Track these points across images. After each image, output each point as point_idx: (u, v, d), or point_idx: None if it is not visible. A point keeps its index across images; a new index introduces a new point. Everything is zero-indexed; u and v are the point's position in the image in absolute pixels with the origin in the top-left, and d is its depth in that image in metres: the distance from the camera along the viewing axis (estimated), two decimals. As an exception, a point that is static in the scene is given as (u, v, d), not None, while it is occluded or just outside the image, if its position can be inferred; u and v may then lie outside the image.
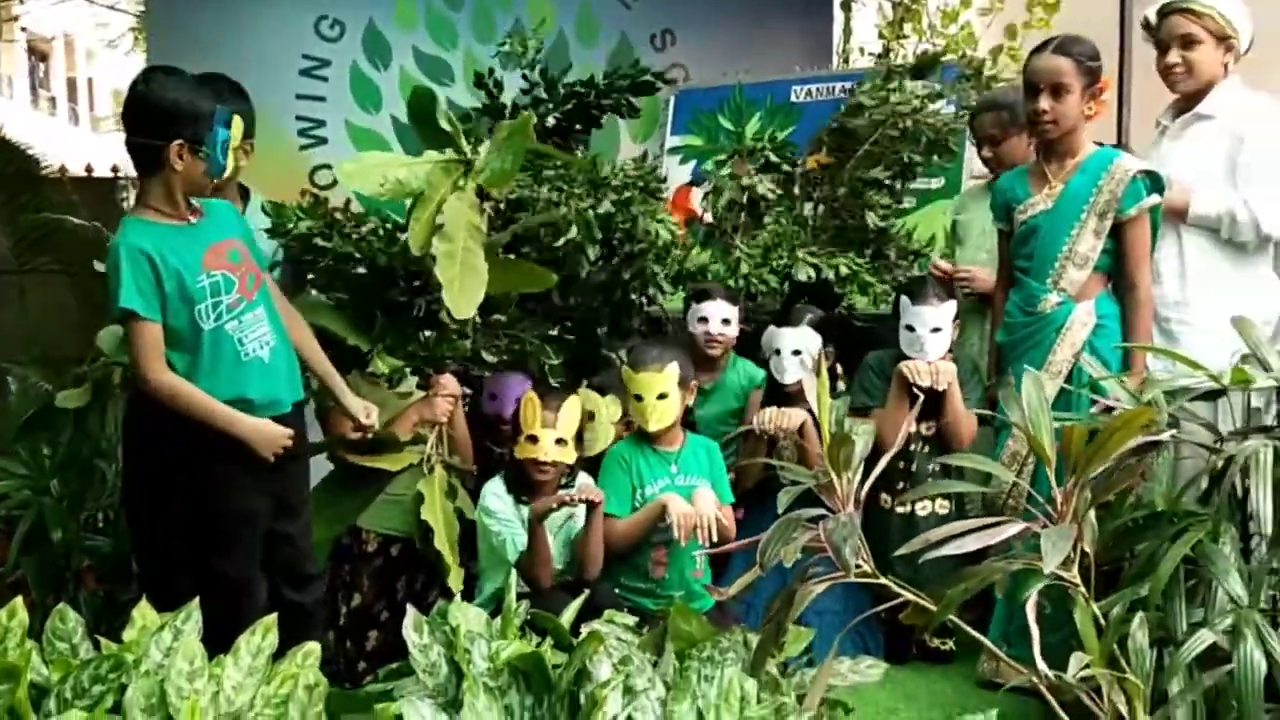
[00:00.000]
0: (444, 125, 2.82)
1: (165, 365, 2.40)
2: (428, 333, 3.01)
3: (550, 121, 3.49)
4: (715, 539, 2.76)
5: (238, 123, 2.53)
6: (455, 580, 2.80)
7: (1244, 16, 2.89)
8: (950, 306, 3.03)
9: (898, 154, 3.73)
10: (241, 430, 2.43)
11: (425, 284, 2.94)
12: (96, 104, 22.50)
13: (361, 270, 3.00)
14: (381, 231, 3.00)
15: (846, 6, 5.49)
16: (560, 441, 2.84)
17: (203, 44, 4.72)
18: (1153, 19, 2.99)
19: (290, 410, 2.57)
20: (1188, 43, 2.91)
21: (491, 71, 3.56)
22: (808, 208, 4.00)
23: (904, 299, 3.07)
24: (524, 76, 3.55)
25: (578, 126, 3.58)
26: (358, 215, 3.11)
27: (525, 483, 2.87)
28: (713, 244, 3.87)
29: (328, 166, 4.83)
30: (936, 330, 2.99)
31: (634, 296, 3.47)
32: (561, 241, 3.16)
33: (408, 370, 2.99)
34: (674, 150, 4.91)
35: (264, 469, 2.48)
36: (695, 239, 3.87)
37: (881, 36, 5.35)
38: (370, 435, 2.82)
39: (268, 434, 2.47)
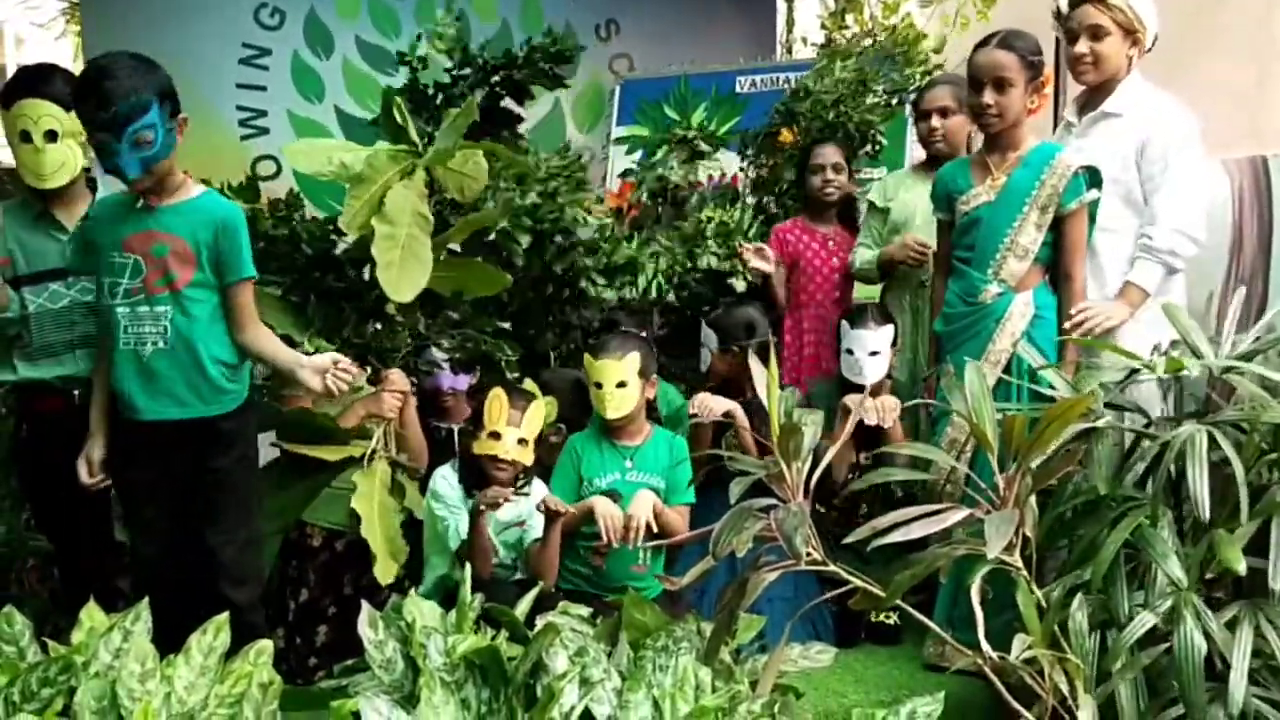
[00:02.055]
0: (396, 118, 2.82)
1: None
2: (373, 325, 3.01)
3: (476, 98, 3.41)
4: (639, 541, 2.78)
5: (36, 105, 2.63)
6: (382, 572, 2.78)
7: (1152, 13, 2.92)
8: (888, 331, 3.16)
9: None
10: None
11: (367, 274, 2.92)
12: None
13: (295, 256, 3.01)
14: (315, 220, 3.01)
15: (788, -4, 5.52)
16: (522, 441, 2.83)
17: (139, 31, 4.65)
18: (1064, 8, 3.00)
19: (166, 420, 2.47)
20: (1096, 34, 2.91)
21: (413, 50, 3.52)
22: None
23: (844, 324, 3.21)
24: (448, 55, 3.52)
25: (506, 104, 3.56)
26: (292, 199, 3.10)
27: (479, 477, 2.85)
28: (641, 239, 3.89)
29: (270, 157, 4.78)
30: (874, 354, 3.14)
31: (567, 291, 3.50)
32: (492, 235, 3.19)
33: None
34: (620, 140, 4.92)
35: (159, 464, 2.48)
36: (620, 232, 3.87)
37: (824, 27, 5.39)
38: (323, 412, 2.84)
39: (318, 363, 2.51)
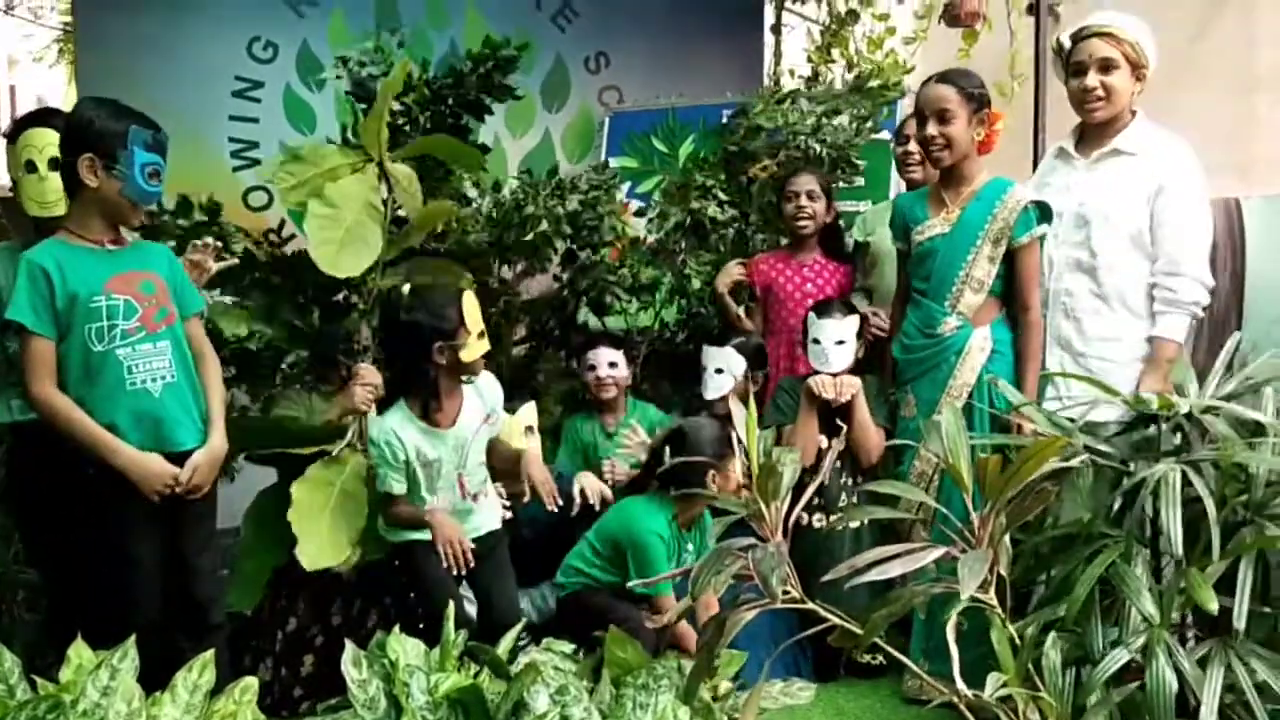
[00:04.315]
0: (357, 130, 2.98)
1: (53, 384, 2.41)
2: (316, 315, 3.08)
3: (430, 123, 3.43)
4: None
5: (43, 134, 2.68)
6: (308, 556, 2.72)
7: (1154, 49, 2.95)
8: (853, 321, 3.24)
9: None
10: (121, 460, 2.41)
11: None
12: (20, 112, 21.96)
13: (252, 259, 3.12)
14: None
15: (776, 30, 5.59)
16: (483, 334, 2.85)
17: (133, 63, 4.69)
18: (1067, 43, 3.01)
19: (179, 451, 2.51)
20: (1106, 67, 2.90)
21: (365, 80, 3.48)
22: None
23: (810, 314, 3.28)
24: (376, 78, 3.42)
25: (465, 121, 3.52)
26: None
27: (434, 395, 2.79)
28: (657, 264, 3.94)
29: (262, 188, 4.81)
30: (840, 343, 3.20)
31: (583, 309, 3.64)
32: (530, 235, 3.30)
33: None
34: (609, 172, 4.97)
35: (148, 502, 2.47)
36: (639, 259, 3.92)
37: (810, 60, 5.46)
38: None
39: (149, 468, 2.43)
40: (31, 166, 2.72)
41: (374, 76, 3.29)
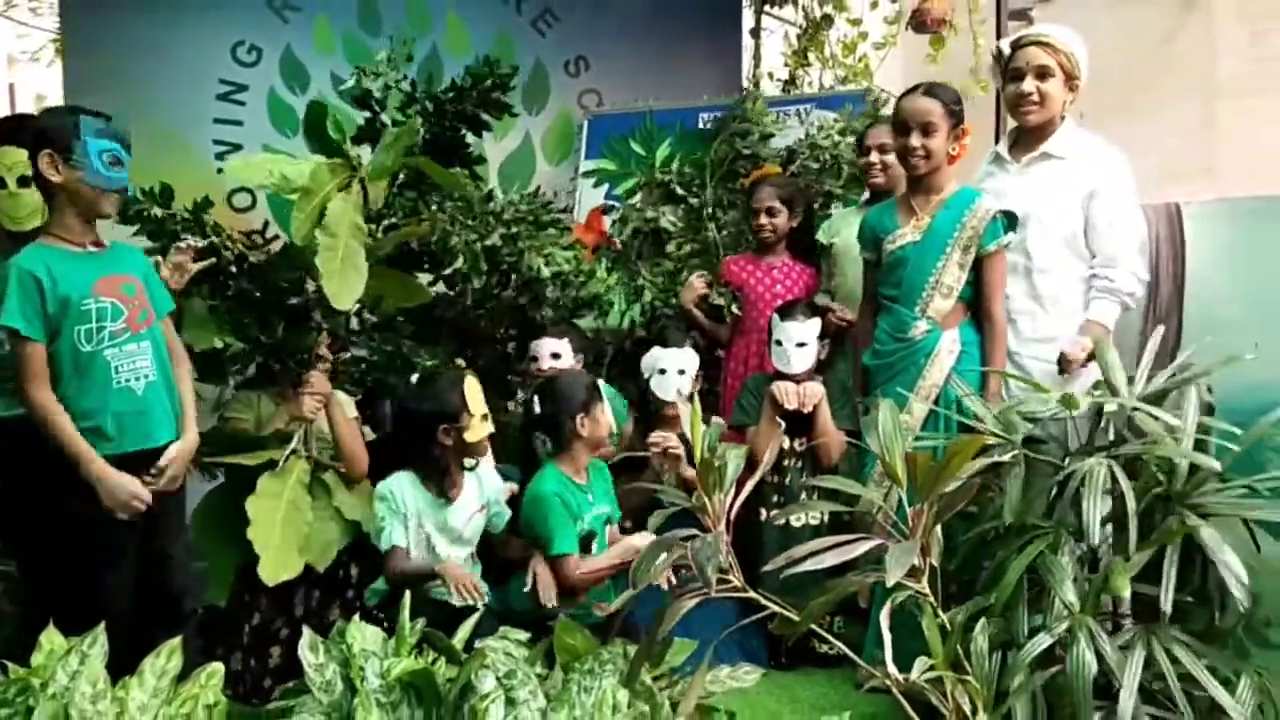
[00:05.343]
0: (331, 133, 2.96)
1: (45, 386, 2.53)
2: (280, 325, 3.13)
3: (431, 136, 3.54)
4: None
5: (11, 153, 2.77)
6: (268, 570, 2.82)
7: (1086, 61, 3.06)
8: (815, 324, 3.32)
9: (821, 183, 4.03)
10: (94, 471, 2.53)
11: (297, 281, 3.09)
12: (20, 109, 22.03)
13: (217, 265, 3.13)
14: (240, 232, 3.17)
15: (755, 34, 5.68)
16: (486, 416, 2.99)
17: (119, 66, 4.80)
18: (1006, 49, 3.13)
19: (157, 446, 2.65)
20: (1042, 74, 3.03)
21: (368, 93, 3.62)
22: (710, 231, 4.22)
23: (774, 316, 3.36)
24: (400, 93, 3.62)
25: (464, 134, 3.63)
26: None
27: (438, 467, 2.94)
28: (618, 269, 4.03)
29: (246, 190, 4.92)
30: (801, 345, 3.28)
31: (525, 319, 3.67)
32: (450, 270, 3.35)
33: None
34: (588, 174, 5.05)
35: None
36: (600, 264, 4.01)
37: (787, 64, 5.55)
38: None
39: (119, 483, 2.55)
40: (1, 183, 2.84)
41: (387, 87, 3.45)
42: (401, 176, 3.65)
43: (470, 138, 3.60)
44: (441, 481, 2.95)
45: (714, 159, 4.24)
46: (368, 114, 3.50)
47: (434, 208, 3.38)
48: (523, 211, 3.49)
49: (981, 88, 4.45)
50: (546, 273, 3.44)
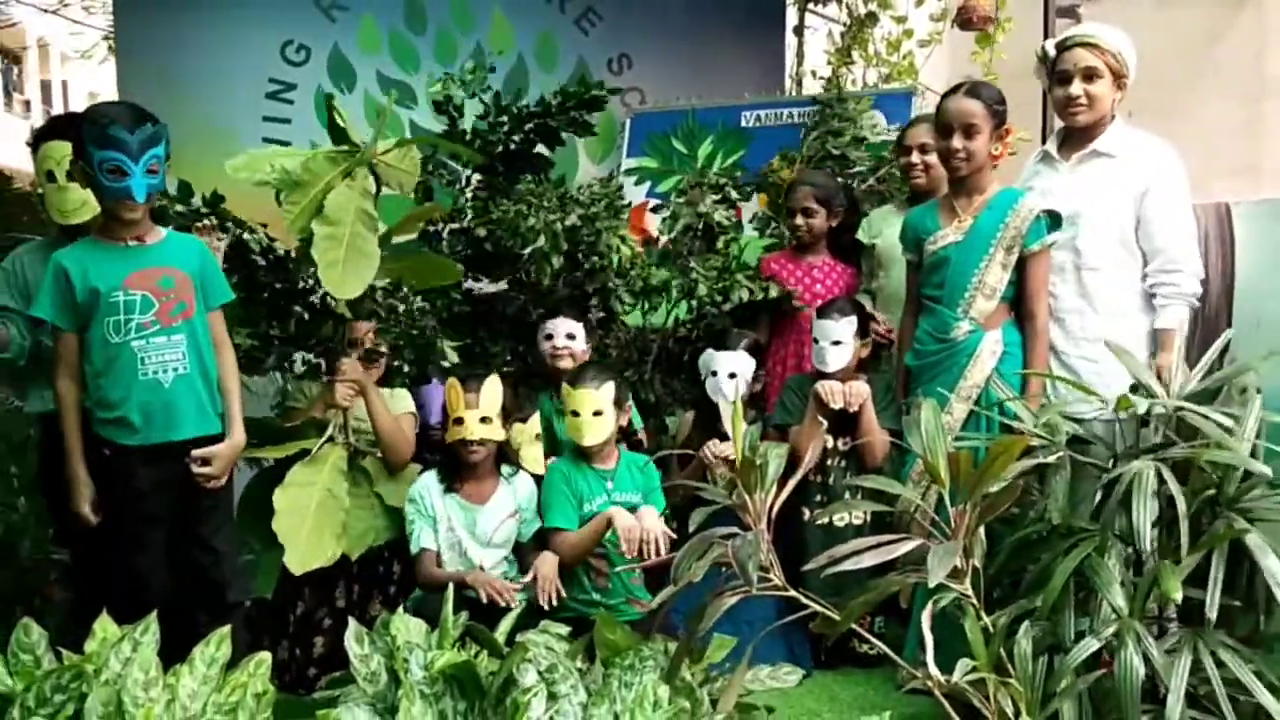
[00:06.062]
0: (337, 120, 2.98)
1: (66, 376, 2.64)
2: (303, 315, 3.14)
3: (511, 145, 3.64)
4: (661, 553, 2.90)
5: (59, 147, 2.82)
6: (294, 561, 2.86)
7: (1134, 59, 3.03)
8: (851, 321, 3.29)
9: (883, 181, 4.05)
10: (70, 467, 2.65)
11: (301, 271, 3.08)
12: (71, 107, 22.45)
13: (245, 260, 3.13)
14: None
15: (799, 32, 5.67)
16: (485, 420, 3.01)
17: (171, 64, 4.88)
18: (1052, 51, 3.10)
19: (185, 440, 2.68)
20: (1090, 75, 3.00)
21: (449, 99, 3.70)
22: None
23: (815, 315, 3.34)
24: (481, 102, 3.71)
25: (540, 148, 3.72)
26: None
27: (456, 468, 3.04)
28: (668, 265, 4.04)
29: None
30: (838, 343, 3.26)
31: (593, 312, 3.70)
32: (528, 252, 3.39)
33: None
34: (630, 172, 5.09)
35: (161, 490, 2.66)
36: (651, 259, 4.04)
37: (830, 63, 5.53)
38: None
39: (77, 492, 2.65)
40: (51, 177, 2.90)
41: (469, 95, 3.63)
42: (474, 179, 3.77)
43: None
44: (456, 482, 3.00)
45: (804, 155, 4.22)
46: (444, 118, 3.63)
47: (504, 201, 3.46)
48: (598, 195, 3.55)
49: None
50: (625, 252, 3.49)
